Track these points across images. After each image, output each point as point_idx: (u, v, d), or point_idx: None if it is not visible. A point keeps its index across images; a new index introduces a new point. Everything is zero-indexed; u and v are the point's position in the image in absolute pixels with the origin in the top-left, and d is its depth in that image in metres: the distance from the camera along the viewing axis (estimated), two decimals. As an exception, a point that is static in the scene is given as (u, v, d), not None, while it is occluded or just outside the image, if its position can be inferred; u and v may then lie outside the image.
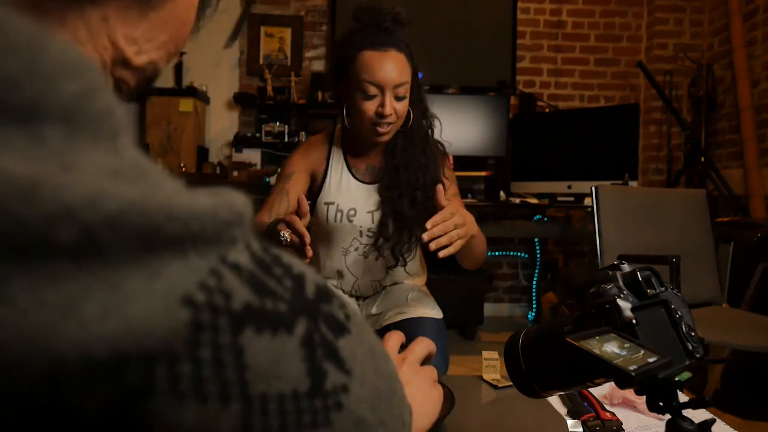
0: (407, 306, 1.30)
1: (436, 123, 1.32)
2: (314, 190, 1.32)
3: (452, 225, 1.01)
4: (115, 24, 0.29)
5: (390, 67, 1.15)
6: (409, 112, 1.23)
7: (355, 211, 1.28)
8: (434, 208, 1.18)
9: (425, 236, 1.00)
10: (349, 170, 1.31)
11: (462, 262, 1.25)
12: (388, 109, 1.15)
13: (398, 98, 1.17)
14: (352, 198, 1.28)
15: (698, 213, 2.01)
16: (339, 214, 1.27)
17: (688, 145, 3.15)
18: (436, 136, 1.33)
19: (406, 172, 1.24)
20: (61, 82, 0.21)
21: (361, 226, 1.28)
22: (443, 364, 1.18)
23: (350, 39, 1.18)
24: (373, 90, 1.15)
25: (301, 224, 1.00)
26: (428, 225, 1.00)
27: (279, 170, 1.35)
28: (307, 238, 1.00)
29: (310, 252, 1.01)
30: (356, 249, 1.30)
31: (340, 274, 1.33)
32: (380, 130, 1.18)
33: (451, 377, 1.10)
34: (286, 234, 1.02)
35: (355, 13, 1.19)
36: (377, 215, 1.27)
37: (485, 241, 1.25)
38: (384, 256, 1.29)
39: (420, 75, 1.30)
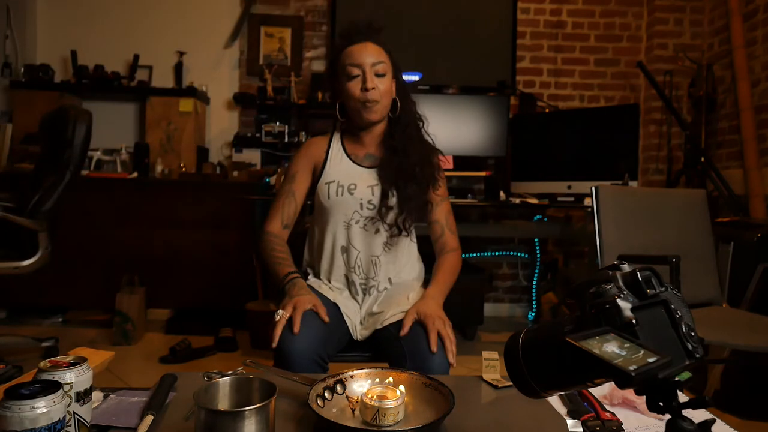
0: (408, 305, 1.30)
1: (424, 119, 1.45)
2: (315, 177, 1.41)
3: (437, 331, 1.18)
4: None
5: (367, 51, 1.32)
6: (396, 101, 1.38)
7: (356, 186, 1.35)
8: (429, 180, 1.39)
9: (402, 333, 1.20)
10: (349, 157, 1.42)
11: None
12: (369, 83, 1.30)
13: (378, 75, 1.32)
14: (352, 176, 1.37)
15: (698, 213, 2.01)
16: (340, 189, 1.35)
17: (688, 145, 3.15)
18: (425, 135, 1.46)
19: (404, 151, 1.36)
20: None
21: (361, 198, 1.35)
22: (445, 361, 1.17)
23: (337, 45, 1.38)
24: (355, 70, 1.31)
25: (299, 323, 1.15)
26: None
27: (284, 170, 1.44)
28: (296, 329, 1.15)
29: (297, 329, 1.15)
30: (357, 222, 1.36)
31: (345, 250, 1.38)
32: (368, 105, 1.32)
33: (450, 377, 1.10)
34: (282, 314, 1.17)
35: (340, 31, 1.40)
36: (377, 189, 1.35)
37: (455, 273, 1.39)
38: (387, 226, 1.36)
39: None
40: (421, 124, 1.43)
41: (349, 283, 1.39)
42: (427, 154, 1.39)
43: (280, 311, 1.19)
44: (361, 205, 1.35)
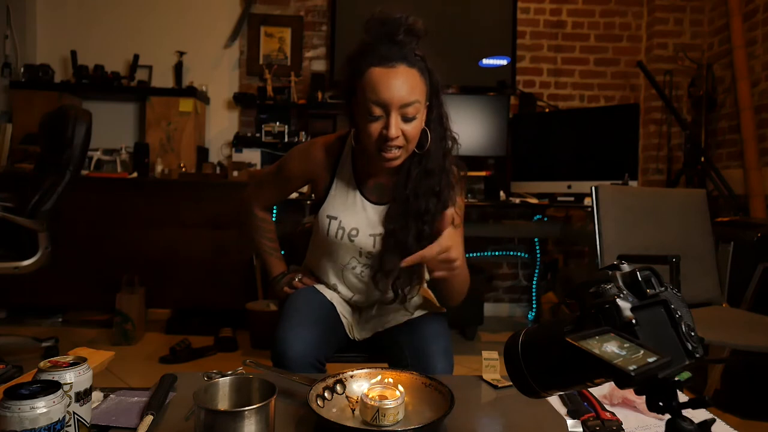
0: (409, 307, 1.30)
1: (455, 141, 1.21)
2: (317, 196, 1.28)
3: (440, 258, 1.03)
4: None
5: (397, 85, 1.04)
6: (426, 133, 1.13)
7: (358, 232, 1.21)
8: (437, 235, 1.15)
9: (404, 262, 1.04)
10: (357, 185, 1.23)
11: (440, 293, 1.27)
12: (393, 131, 1.05)
13: (406, 119, 1.06)
14: (356, 216, 1.22)
15: (698, 213, 2.01)
16: (340, 231, 1.21)
17: (688, 145, 3.15)
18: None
19: (416, 202, 1.15)
20: None
21: (361, 248, 1.22)
22: (447, 364, 1.17)
23: (360, 53, 1.09)
24: (377, 111, 1.06)
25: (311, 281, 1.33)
26: (416, 256, 1.03)
27: (279, 162, 1.33)
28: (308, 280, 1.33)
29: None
30: (353, 268, 1.26)
31: (335, 287, 1.31)
32: (387, 155, 1.08)
33: (450, 377, 1.10)
34: (299, 279, 1.33)
35: (367, 24, 1.08)
36: (379, 240, 1.20)
37: (468, 279, 1.18)
38: (382, 290, 1.24)
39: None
40: (449, 149, 1.19)
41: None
42: (445, 199, 1.17)
43: (298, 276, 1.35)
44: (360, 252, 1.23)
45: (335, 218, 1.22)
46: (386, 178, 1.22)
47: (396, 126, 1.05)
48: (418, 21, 1.09)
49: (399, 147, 1.09)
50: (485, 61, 3.41)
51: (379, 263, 1.20)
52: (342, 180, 1.24)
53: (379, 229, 1.20)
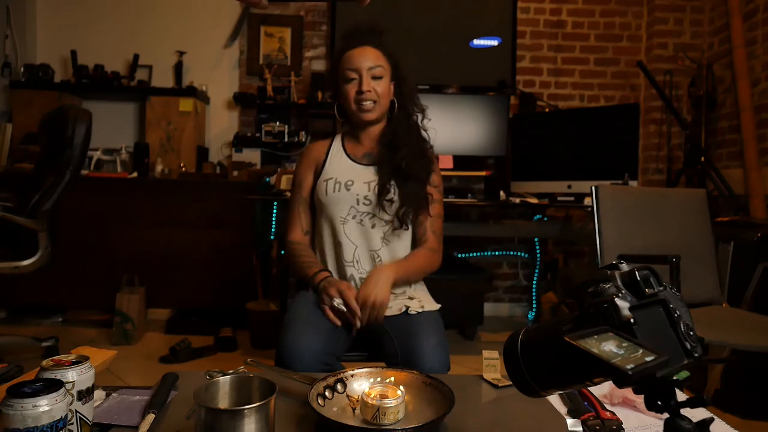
0: (405, 297, 1.35)
1: (425, 111, 1.48)
2: (316, 175, 1.47)
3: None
4: None
5: (365, 55, 1.38)
6: (393, 102, 1.45)
7: (353, 182, 1.40)
8: (425, 172, 1.41)
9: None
10: (348, 156, 1.47)
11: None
12: (365, 86, 1.37)
13: (375, 78, 1.38)
14: (350, 173, 1.42)
15: (698, 213, 2.01)
16: (337, 185, 1.39)
17: (688, 145, 3.15)
18: (425, 137, 1.48)
19: (400, 146, 1.39)
20: None
21: (357, 194, 1.38)
22: (442, 364, 1.18)
23: (338, 49, 1.44)
24: (352, 74, 1.38)
25: (354, 302, 1.25)
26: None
27: (284, 171, 1.44)
28: (359, 313, 1.25)
29: (358, 324, 1.26)
30: (353, 217, 1.39)
31: (339, 245, 1.39)
32: (363, 106, 1.39)
33: (451, 376, 1.10)
34: (340, 303, 1.26)
35: (342, 33, 1.45)
36: (374, 185, 1.38)
37: (423, 266, 1.40)
38: (385, 221, 1.38)
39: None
40: (419, 117, 1.46)
41: (348, 279, 1.39)
42: (422, 149, 1.43)
43: (338, 300, 1.27)
44: (358, 200, 1.38)
45: (331, 178, 1.42)
46: (372, 147, 1.46)
47: (367, 82, 1.37)
48: (377, 24, 1.43)
49: (373, 101, 1.39)
50: (481, 50, 3.41)
51: (379, 193, 1.37)
52: (335, 155, 1.47)
53: (372, 178, 1.40)
